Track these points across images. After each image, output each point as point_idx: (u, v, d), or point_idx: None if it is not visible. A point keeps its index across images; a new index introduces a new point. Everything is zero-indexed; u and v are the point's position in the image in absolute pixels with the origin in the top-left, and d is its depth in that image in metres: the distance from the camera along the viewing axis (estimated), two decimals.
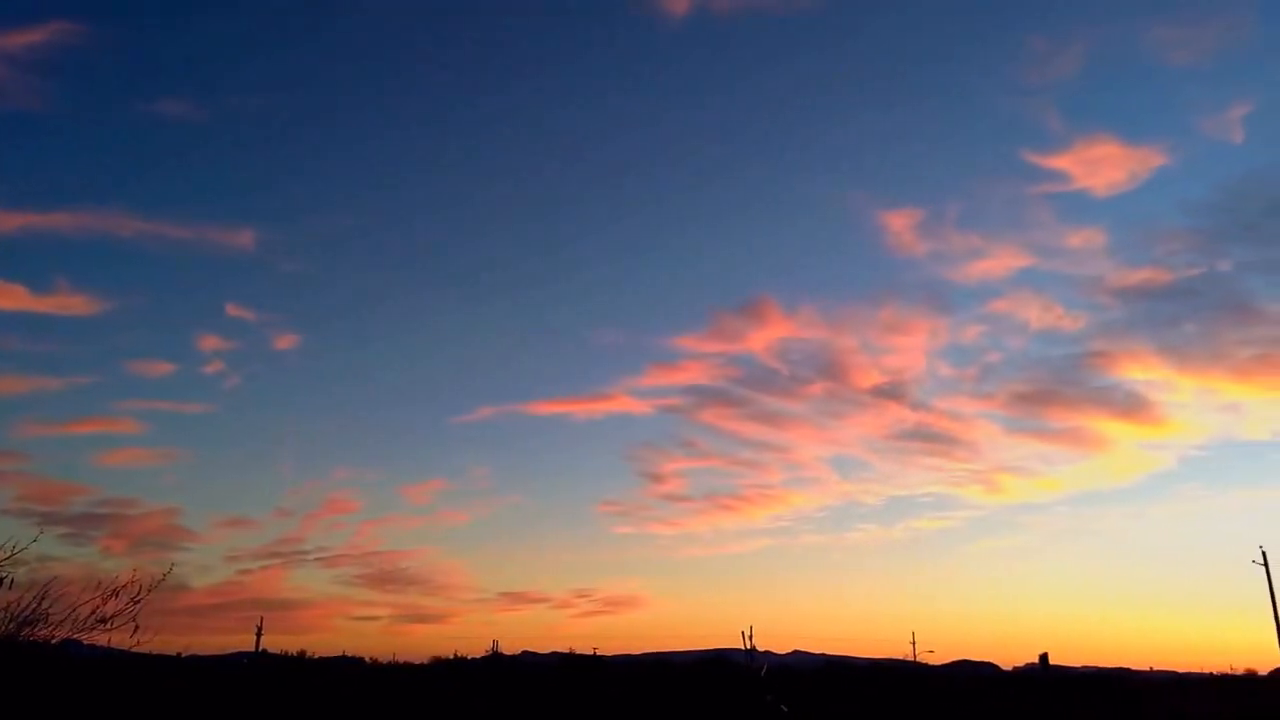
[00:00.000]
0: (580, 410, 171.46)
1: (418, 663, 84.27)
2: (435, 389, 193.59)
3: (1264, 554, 61.09)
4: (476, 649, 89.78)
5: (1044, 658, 79.03)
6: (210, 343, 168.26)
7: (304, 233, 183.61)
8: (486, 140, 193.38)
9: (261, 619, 70.40)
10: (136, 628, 17.03)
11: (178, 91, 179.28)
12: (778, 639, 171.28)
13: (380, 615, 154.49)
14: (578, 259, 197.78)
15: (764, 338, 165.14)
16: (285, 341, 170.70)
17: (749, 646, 79.55)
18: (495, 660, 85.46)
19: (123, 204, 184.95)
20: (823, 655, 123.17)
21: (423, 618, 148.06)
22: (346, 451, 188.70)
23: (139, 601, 16.90)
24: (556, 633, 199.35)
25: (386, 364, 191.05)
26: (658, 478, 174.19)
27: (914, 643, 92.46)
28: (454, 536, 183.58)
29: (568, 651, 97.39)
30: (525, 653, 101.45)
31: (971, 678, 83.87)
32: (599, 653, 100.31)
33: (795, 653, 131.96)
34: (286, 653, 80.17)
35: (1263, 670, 71.15)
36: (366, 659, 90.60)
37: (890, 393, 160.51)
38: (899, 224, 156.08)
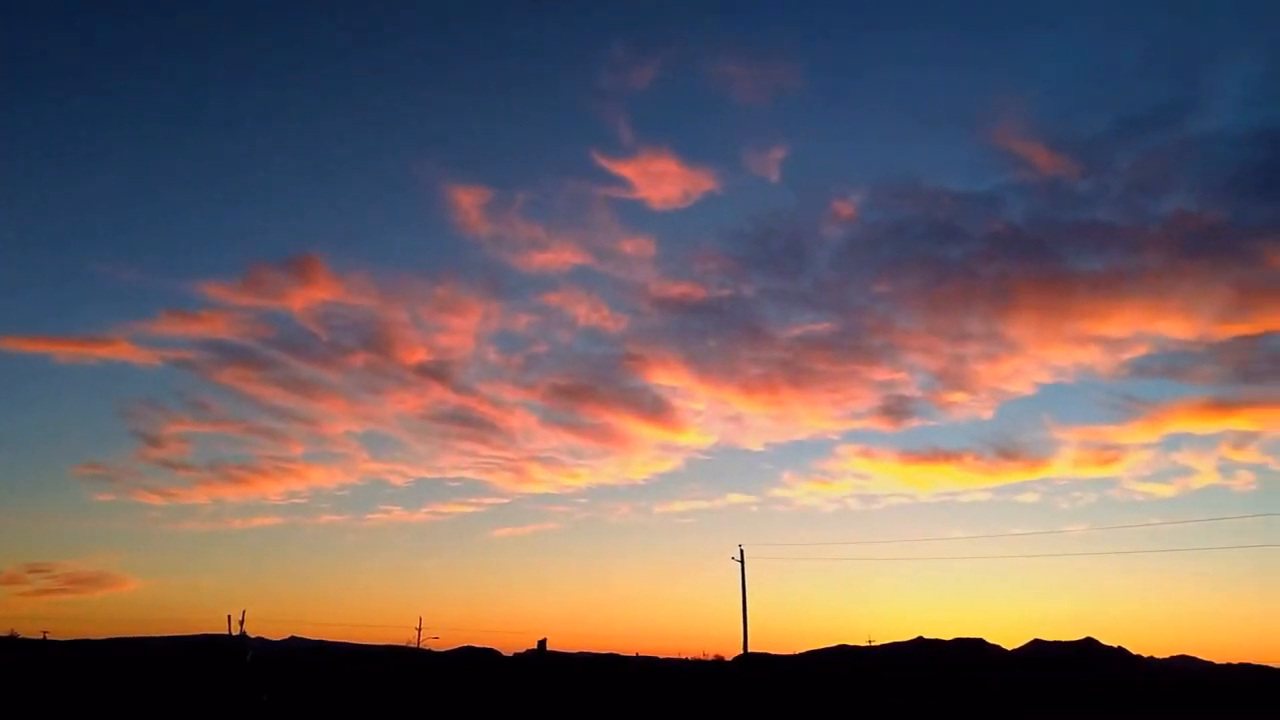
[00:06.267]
0: (65, 351, 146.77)
1: None
2: None
3: (742, 552, 67.64)
4: None
5: (542, 644, 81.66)
6: None
7: None
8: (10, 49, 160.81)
9: None
10: None
11: None
12: (276, 624, 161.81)
13: None
14: (94, 180, 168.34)
15: (306, 298, 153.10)
16: None
17: (239, 632, 73.02)
18: None
19: None
20: (320, 641, 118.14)
21: None
22: None
23: None
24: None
25: None
26: (155, 440, 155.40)
27: (419, 629, 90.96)
28: None
29: (8, 635, 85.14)
30: None
31: (472, 663, 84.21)
32: (50, 636, 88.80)
33: (292, 639, 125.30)
34: None
35: (728, 656, 79.33)
36: None
37: (435, 372, 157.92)
38: (467, 201, 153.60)
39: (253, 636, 78.64)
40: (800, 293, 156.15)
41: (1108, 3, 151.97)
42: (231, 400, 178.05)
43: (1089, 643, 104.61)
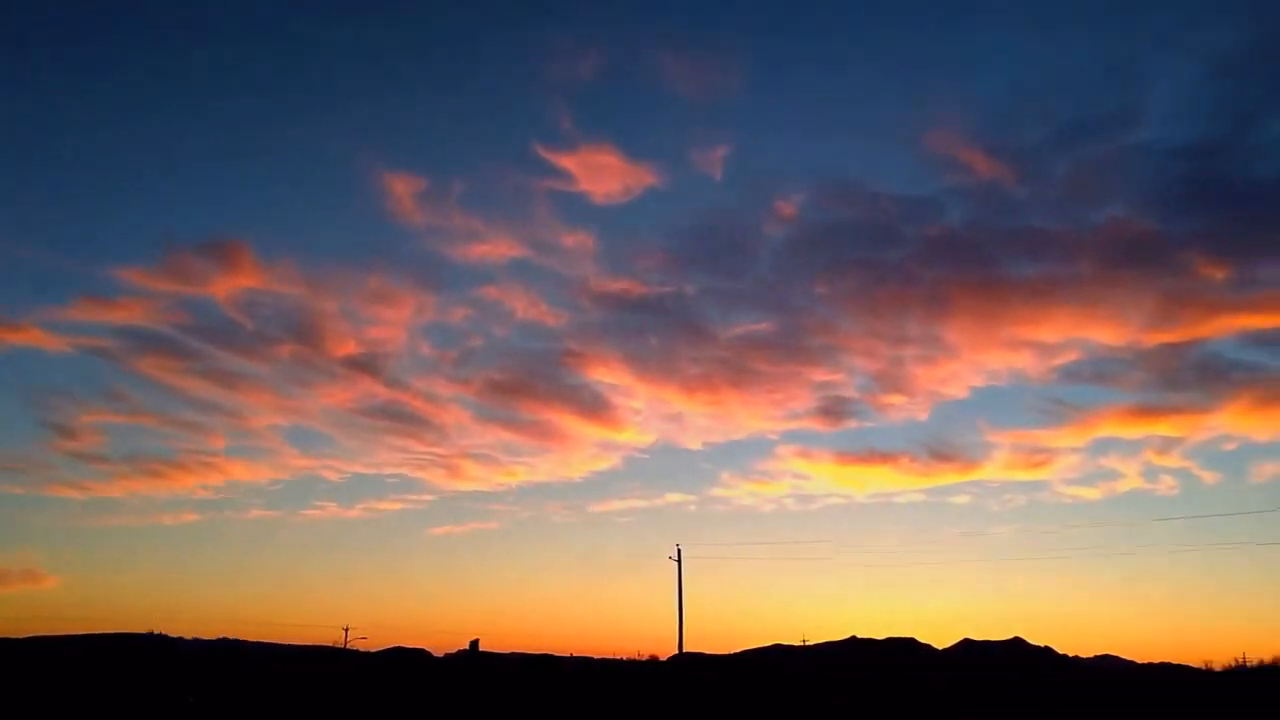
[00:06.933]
0: None
1: None
2: None
3: (679, 551, 67.77)
4: None
5: (474, 644, 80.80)
6: None
7: None
8: None
9: None
10: None
11: None
12: (200, 623, 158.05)
13: None
14: (2, 158, 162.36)
15: (229, 285, 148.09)
16: None
17: (161, 631, 71.23)
18: None
19: None
20: (247, 641, 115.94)
21: None
22: None
23: None
24: None
25: None
26: (68, 432, 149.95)
27: (347, 630, 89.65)
28: None
29: None
30: None
31: (402, 664, 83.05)
32: None
33: (220, 639, 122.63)
34: None
35: (664, 656, 79.19)
36: None
37: (365, 365, 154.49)
38: (401, 189, 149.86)
39: (176, 636, 76.89)
40: (741, 292, 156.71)
41: (1047, 12, 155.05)
42: (150, 391, 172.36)
43: (1017, 642, 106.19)
